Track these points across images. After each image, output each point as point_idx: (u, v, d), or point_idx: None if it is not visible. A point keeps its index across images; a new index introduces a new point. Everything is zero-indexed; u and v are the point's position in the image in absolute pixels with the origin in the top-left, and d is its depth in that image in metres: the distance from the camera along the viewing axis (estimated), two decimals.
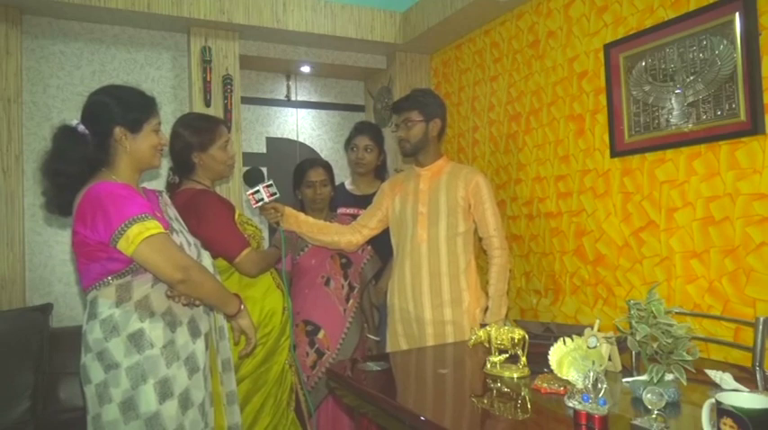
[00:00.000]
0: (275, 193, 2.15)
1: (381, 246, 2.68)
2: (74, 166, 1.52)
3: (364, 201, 2.83)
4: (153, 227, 1.46)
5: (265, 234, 3.33)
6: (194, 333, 1.59)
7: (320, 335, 2.42)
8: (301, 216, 2.31)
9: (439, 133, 2.35)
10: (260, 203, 2.15)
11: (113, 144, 1.56)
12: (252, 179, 2.18)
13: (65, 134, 1.55)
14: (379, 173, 2.94)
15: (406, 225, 2.33)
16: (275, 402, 2.13)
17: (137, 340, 1.48)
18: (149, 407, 1.47)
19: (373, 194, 2.85)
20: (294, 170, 2.63)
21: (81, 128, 1.54)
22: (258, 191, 2.13)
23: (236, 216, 2.08)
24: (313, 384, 2.39)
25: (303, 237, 2.33)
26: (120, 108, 1.56)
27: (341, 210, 2.80)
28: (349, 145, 2.88)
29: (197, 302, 1.58)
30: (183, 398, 1.52)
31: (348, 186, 2.95)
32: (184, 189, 2.05)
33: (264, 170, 3.62)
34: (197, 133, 2.04)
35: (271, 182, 2.16)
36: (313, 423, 2.38)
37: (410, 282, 2.27)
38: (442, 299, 2.22)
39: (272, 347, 2.12)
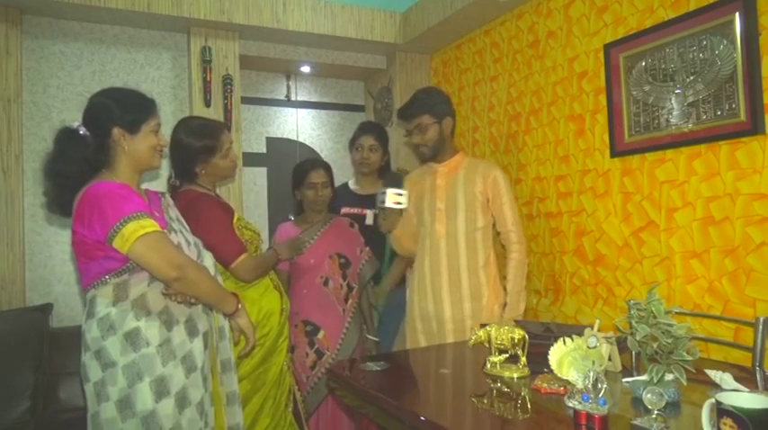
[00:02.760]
0: (400, 203, 2.27)
1: (379, 248, 2.69)
2: (74, 167, 1.55)
3: (368, 201, 2.83)
4: (148, 225, 1.47)
5: (265, 236, 3.33)
6: (192, 332, 1.59)
7: (320, 335, 2.42)
8: (398, 231, 2.39)
9: (452, 129, 2.35)
10: (382, 205, 2.28)
11: (112, 145, 1.57)
12: (388, 180, 2.32)
13: (65, 135, 1.58)
14: (383, 173, 2.94)
15: (423, 221, 2.33)
16: (274, 403, 2.13)
17: (133, 339, 1.49)
18: (145, 406, 1.47)
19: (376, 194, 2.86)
20: (294, 170, 2.62)
21: (82, 130, 1.56)
22: (384, 193, 2.26)
23: (235, 220, 2.09)
24: (312, 384, 2.39)
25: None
26: (118, 109, 1.57)
27: (344, 210, 2.80)
28: (353, 145, 2.88)
29: (193, 301, 1.59)
30: (180, 397, 1.52)
31: (352, 186, 2.95)
32: (185, 191, 2.05)
33: (264, 170, 3.62)
34: (199, 145, 2.02)
35: (402, 192, 2.28)
36: (312, 423, 2.38)
37: (430, 279, 2.28)
38: (462, 294, 2.22)
39: (271, 348, 2.12)
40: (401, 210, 2.31)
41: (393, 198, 2.25)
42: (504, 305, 2.24)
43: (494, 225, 2.31)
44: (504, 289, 2.27)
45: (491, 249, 2.29)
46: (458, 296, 2.23)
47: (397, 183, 2.31)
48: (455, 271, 2.24)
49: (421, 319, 2.32)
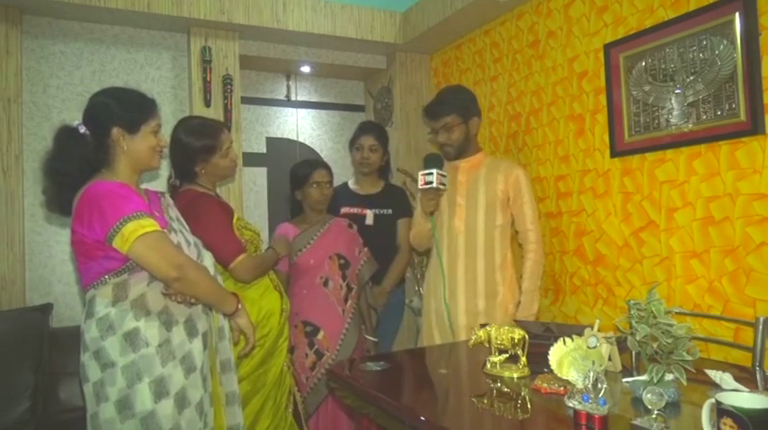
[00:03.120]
0: (444, 184, 2.25)
1: (379, 248, 2.68)
2: (73, 166, 1.54)
3: (367, 201, 2.83)
4: (148, 224, 1.47)
5: (265, 236, 3.33)
6: (191, 332, 1.59)
7: (319, 336, 2.41)
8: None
9: (477, 129, 2.35)
10: (428, 186, 2.22)
11: (111, 144, 1.57)
12: (430, 163, 2.27)
13: (65, 134, 1.58)
14: (383, 173, 2.94)
15: (441, 215, 2.34)
16: (274, 404, 2.13)
17: (132, 339, 1.48)
18: (144, 406, 1.47)
19: (376, 194, 2.86)
20: (293, 171, 2.60)
21: (82, 128, 1.56)
22: (432, 173, 2.21)
23: (235, 220, 2.08)
24: (312, 385, 2.39)
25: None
26: (118, 109, 1.57)
27: (344, 210, 2.80)
28: (354, 145, 2.87)
29: (193, 301, 1.58)
30: (180, 398, 1.52)
31: (352, 186, 2.95)
32: (185, 191, 2.05)
33: (264, 170, 3.62)
34: (198, 145, 2.02)
35: (445, 173, 2.25)
36: (312, 424, 2.38)
37: (446, 274, 2.28)
38: (477, 291, 2.24)
39: (271, 349, 2.12)
40: (442, 193, 2.30)
41: (440, 178, 2.23)
42: (518, 304, 2.25)
43: (512, 224, 2.31)
44: (521, 288, 2.28)
45: (508, 249, 2.30)
46: (473, 293, 2.24)
47: (440, 163, 2.29)
48: (472, 267, 2.25)
49: (435, 314, 2.33)
